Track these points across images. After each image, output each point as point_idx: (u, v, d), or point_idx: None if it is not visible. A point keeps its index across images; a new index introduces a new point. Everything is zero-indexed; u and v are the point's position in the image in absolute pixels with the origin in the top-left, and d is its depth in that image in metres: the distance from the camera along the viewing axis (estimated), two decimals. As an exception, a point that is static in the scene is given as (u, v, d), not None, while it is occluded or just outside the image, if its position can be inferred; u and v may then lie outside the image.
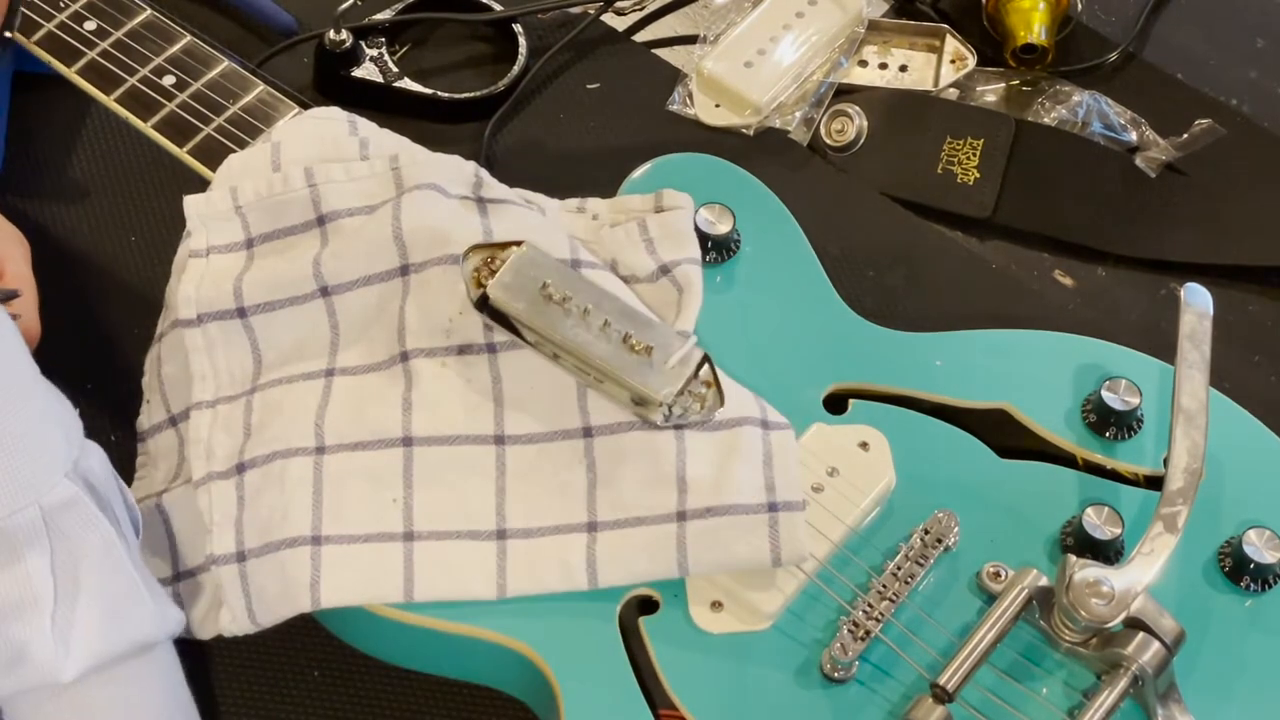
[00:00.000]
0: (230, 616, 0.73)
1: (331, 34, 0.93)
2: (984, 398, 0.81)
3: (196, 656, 0.78)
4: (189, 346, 0.78)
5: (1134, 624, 0.71)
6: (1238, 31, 1.02)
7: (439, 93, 0.94)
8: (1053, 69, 0.98)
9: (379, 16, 0.96)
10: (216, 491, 0.75)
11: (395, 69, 0.94)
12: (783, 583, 0.74)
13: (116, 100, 0.83)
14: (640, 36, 1.00)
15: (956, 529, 0.76)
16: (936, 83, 0.98)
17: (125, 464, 0.81)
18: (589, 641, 0.73)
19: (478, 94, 0.95)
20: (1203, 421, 0.77)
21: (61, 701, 0.66)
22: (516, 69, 0.95)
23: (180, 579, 0.76)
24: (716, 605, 0.74)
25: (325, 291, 0.78)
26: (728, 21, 0.99)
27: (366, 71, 0.94)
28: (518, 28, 0.97)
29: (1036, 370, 0.81)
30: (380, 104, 0.93)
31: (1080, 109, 0.96)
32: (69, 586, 0.65)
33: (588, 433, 0.75)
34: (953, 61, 0.98)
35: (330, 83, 0.95)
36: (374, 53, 0.94)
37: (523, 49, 0.96)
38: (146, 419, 0.81)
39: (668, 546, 0.73)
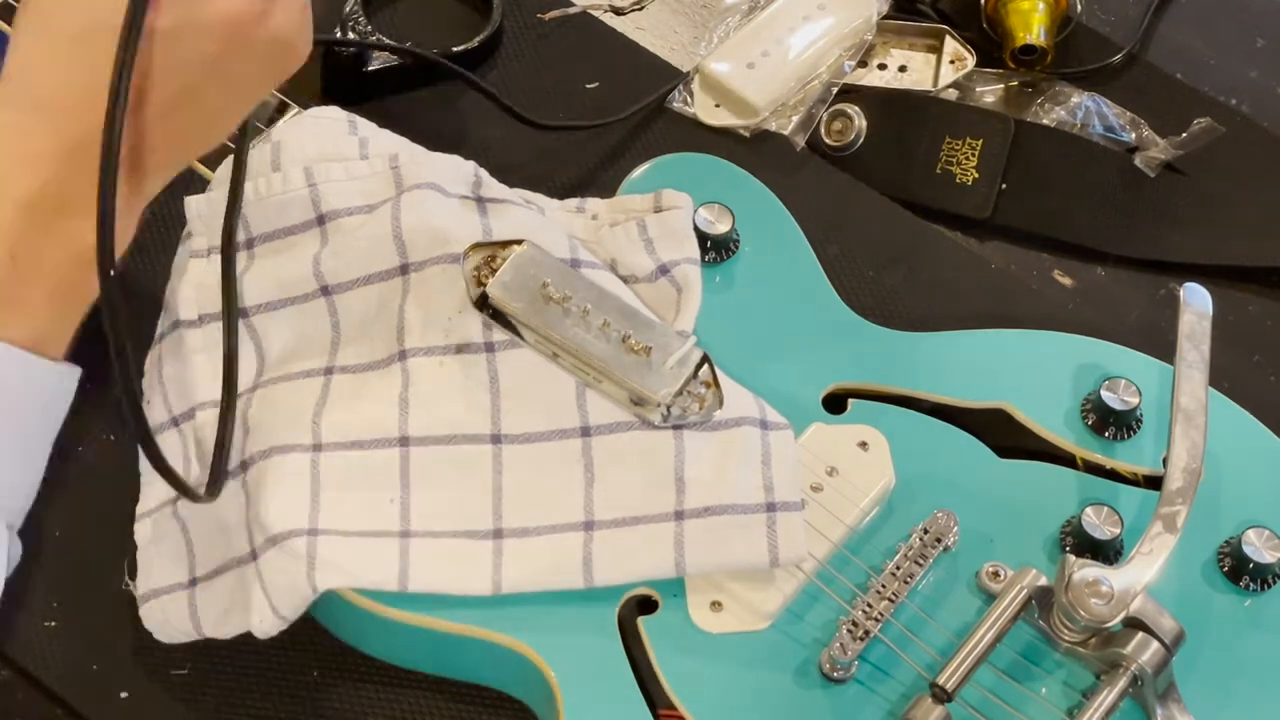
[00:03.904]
0: (259, 617, 0.73)
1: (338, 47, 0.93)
2: (983, 398, 0.81)
3: (197, 657, 0.78)
4: (191, 347, 0.78)
5: (1133, 624, 0.71)
6: (1238, 31, 1.02)
7: (433, 52, 0.94)
8: (1052, 70, 0.98)
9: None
10: (227, 491, 0.75)
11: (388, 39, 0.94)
12: (782, 583, 0.74)
13: (116, 100, 0.83)
14: (640, 37, 1.00)
15: (956, 529, 0.76)
16: (936, 83, 0.98)
17: (123, 463, 0.81)
18: (588, 641, 0.73)
19: (457, 49, 0.94)
20: (1202, 421, 0.77)
21: None
22: (490, 28, 0.95)
23: (196, 584, 0.76)
24: (716, 605, 0.74)
25: (326, 291, 0.78)
26: (731, 22, 0.99)
27: (383, 61, 0.94)
28: None
29: (1036, 370, 0.81)
30: (394, 86, 0.94)
31: (1079, 110, 0.96)
32: None
33: (585, 432, 0.75)
34: (952, 62, 0.98)
35: (345, 85, 0.94)
36: (373, 38, 0.94)
37: (496, 11, 0.96)
38: (149, 419, 0.81)
39: (665, 546, 0.73)
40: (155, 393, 0.81)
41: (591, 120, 0.93)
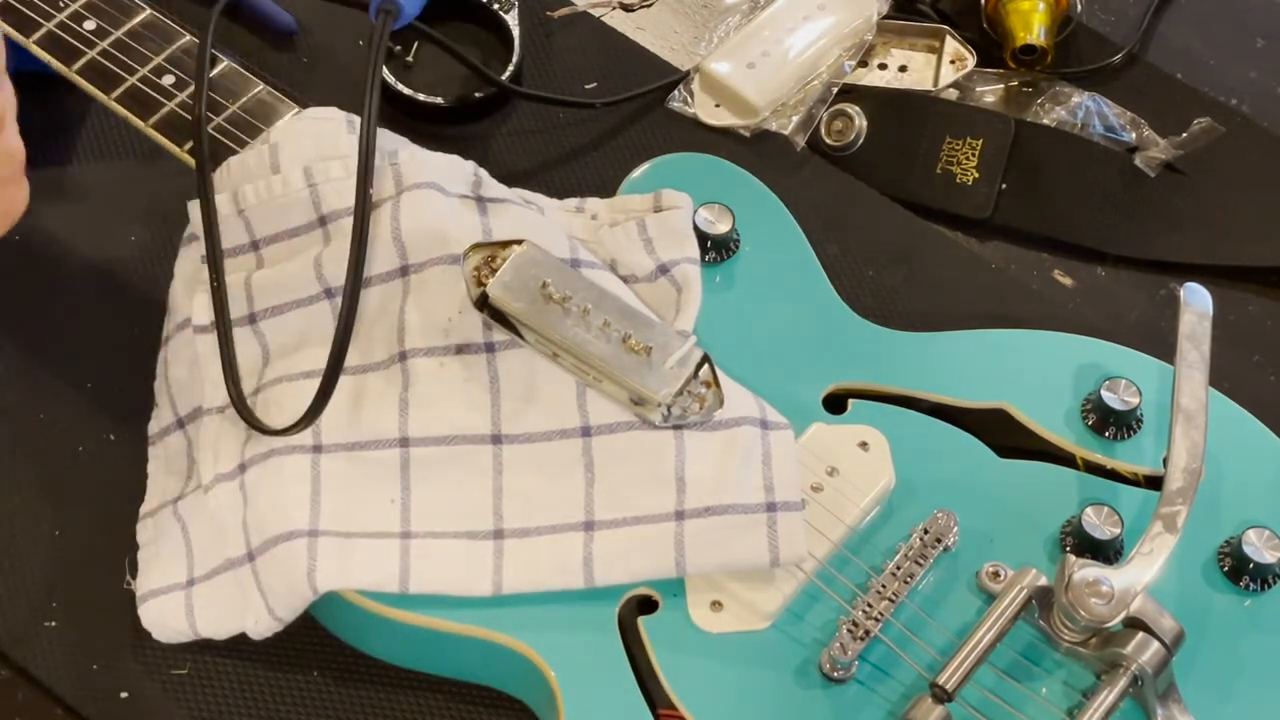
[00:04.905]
0: (254, 619, 0.73)
1: None
2: (984, 398, 0.81)
3: (197, 657, 0.78)
4: (202, 351, 0.78)
5: (1133, 624, 0.71)
6: (1238, 31, 1.02)
7: (439, 100, 0.94)
8: (1053, 70, 0.98)
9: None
10: (224, 493, 0.75)
11: (393, 78, 0.94)
12: (782, 582, 0.74)
13: (116, 100, 0.83)
14: (640, 36, 1.00)
15: (956, 529, 0.76)
16: (936, 83, 0.98)
17: (123, 463, 0.81)
18: (588, 641, 0.73)
19: (472, 97, 0.94)
20: (1202, 421, 0.77)
21: None
22: (511, 69, 0.95)
23: (193, 584, 0.76)
24: (716, 605, 0.74)
25: (330, 293, 0.78)
26: (731, 22, 0.99)
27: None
28: (514, 29, 0.96)
29: (1036, 370, 0.81)
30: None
31: (1080, 110, 0.96)
32: None
33: (586, 432, 0.75)
34: (952, 62, 0.98)
35: None
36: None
37: (517, 50, 0.95)
38: (156, 423, 0.81)
39: (665, 546, 0.73)
40: (163, 395, 0.81)
41: (579, 107, 0.93)
